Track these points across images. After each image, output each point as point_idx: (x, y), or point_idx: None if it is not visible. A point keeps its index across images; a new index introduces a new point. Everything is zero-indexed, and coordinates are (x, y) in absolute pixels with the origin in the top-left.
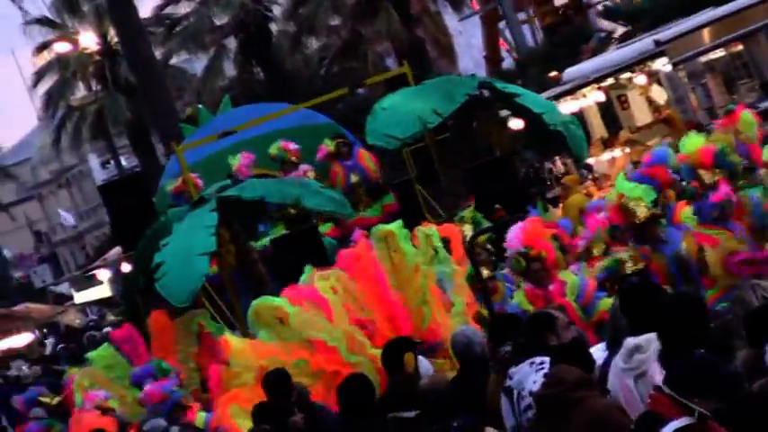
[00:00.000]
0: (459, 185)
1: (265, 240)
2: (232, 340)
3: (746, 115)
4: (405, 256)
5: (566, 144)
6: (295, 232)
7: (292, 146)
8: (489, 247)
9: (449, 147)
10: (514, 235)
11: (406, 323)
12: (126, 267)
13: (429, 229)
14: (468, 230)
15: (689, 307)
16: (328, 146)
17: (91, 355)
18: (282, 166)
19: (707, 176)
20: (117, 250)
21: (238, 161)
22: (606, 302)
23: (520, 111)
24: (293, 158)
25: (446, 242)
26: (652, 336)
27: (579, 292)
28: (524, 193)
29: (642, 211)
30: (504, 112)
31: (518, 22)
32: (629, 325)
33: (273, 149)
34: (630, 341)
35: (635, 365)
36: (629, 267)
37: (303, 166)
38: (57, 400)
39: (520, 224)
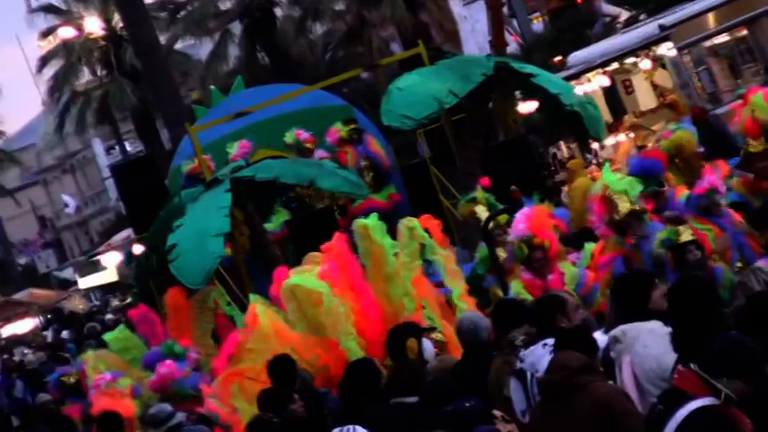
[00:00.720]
0: (474, 166)
1: (271, 225)
2: (261, 316)
3: (757, 98)
4: (382, 249)
5: (582, 124)
6: (311, 214)
7: (304, 134)
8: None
9: (465, 127)
10: (519, 222)
11: (381, 315)
12: (138, 249)
13: (410, 221)
14: (481, 211)
15: (700, 290)
16: (340, 131)
17: (106, 337)
18: (299, 153)
19: (753, 146)
20: (121, 235)
21: (235, 150)
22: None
23: (536, 91)
24: (308, 145)
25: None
26: (629, 327)
27: (579, 282)
28: (540, 175)
29: (624, 207)
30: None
31: (523, 7)
32: (619, 314)
33: (289, 138)
34: (614, 331)
35: (615, 356)
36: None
37: (318, 152)
38: (74, 378)
39: (525, 211)
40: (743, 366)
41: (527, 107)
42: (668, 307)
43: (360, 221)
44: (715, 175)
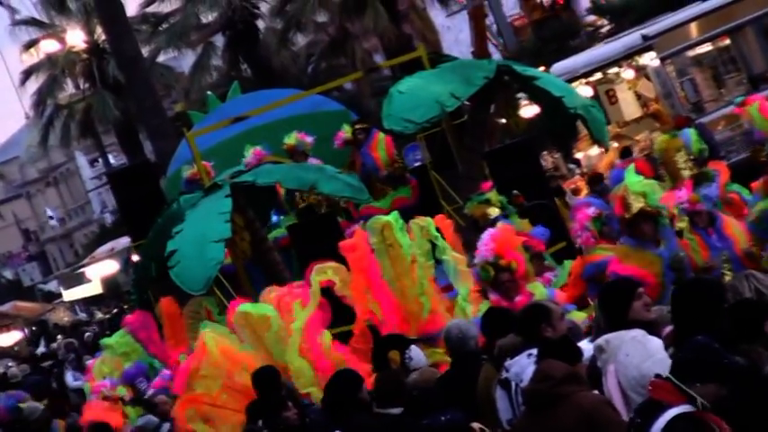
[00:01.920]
0: (476, 170)
1: (278, 231)
2: (209, 343)
3: (753, 109)
4: (401, 247)
5: (586, 127)
6: (313, 219)
7: (309, 138)
8: None
9: (467, 131)
10: (485, 243)
11: (402, 314)
12: (137, 257)
13: (423, 220)
14: (495, 213)
15: (704, 293)
16: (346, 132)
17: (108, 341)
18: (293, 157)
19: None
20: (105, 247)
21: (250, 157)
22: (575, 315)
23: (539, 94)
24: (308, 147)
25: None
26: (613, 336)
27: None
28: (543, 180)
29: (636, 206)
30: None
31: (505, 17)
32: (605, 322)
33: (291, 140)
34: (598, 341)
35: (601, 365)
36: None
37: (312, 160)
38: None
39: (492, 232)
40: (713, 369)
41: (531, 111)
42: (671, 308)
43: (380, 218)
44: (683, 191)
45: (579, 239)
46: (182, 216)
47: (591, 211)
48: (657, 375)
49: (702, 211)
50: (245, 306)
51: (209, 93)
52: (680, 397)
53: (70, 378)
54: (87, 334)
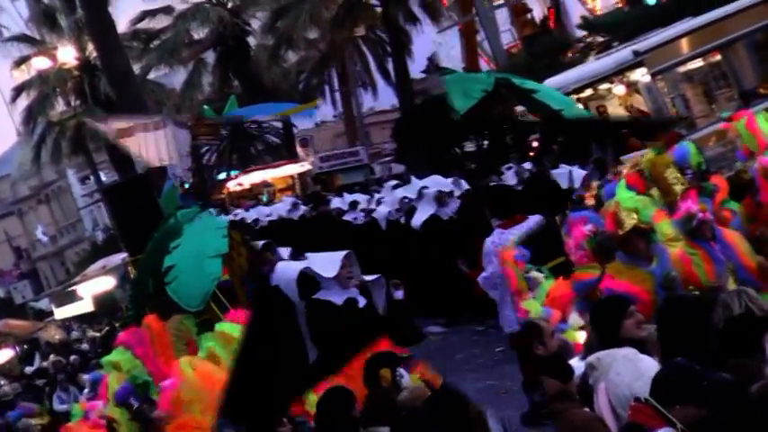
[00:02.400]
0: None
1: None
2: (186, 369)
3: (740, 125)
4: None
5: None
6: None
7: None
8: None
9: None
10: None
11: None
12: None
13: None
14: None
15: (686, 311)
16: None
17: (110, 359)
18: None
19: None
20: (97, 265)
21: None
22: (570, 334)
23: (537, 107)
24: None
25: None
26: (604, 353)
27: None
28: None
29: (629, 223)
30: None
31: (496, 33)
32: (598, 339)
33: None
34: (589, 358)
35: (592, 383)
36: None
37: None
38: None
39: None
40: (692, 390)
41: None
42: (656, 326)
43: None
44: (692, 201)
45: (573, 257)
46: (179, 231)
47: (587, 229)
48: (637, 399)
49: (709, 221)
50: (221, 325)
51: (205, 106)
52: (660, 420)
53: (56, 401)
54: (73, 357)
